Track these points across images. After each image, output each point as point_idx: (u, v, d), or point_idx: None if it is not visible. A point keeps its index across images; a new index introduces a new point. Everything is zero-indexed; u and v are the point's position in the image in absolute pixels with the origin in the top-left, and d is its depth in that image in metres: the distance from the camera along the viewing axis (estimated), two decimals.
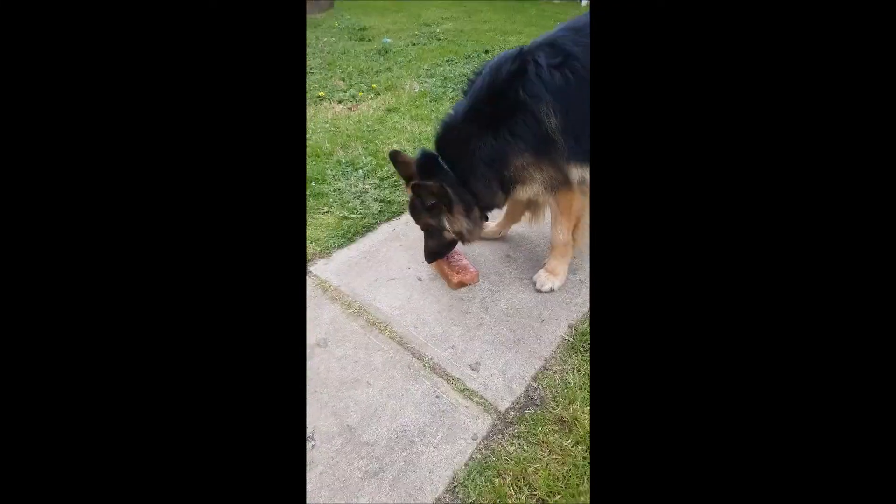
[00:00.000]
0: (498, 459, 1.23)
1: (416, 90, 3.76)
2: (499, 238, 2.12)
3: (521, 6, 7.16)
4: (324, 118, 3.27)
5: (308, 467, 1.22)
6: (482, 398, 1.40)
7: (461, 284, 1.82)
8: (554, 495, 1.14)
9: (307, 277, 1.88)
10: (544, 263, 1.87)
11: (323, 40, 5.16)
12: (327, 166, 2.62)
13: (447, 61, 4.46)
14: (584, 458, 1.21)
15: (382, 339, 1.62)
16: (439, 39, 5.29)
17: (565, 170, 1.56)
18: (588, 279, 1.84)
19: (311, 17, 6.22)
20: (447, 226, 1.67)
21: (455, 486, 1.18)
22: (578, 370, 1.47)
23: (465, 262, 1.88)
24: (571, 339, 1.59)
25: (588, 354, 1.52)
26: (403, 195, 2.29)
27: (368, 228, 2.18)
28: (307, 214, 2.22)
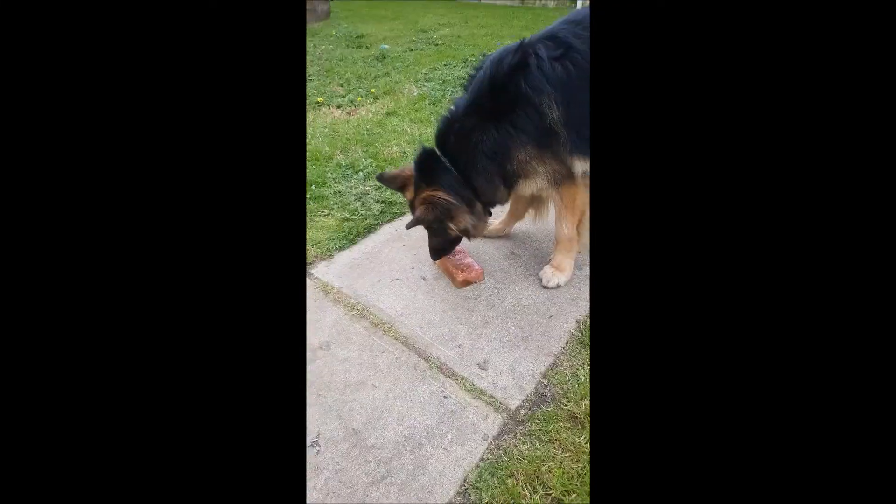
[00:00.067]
0: (510, 459, 1.19)
1: (415, 94, 3.76)
2: (503, 236, 2.09)
3: (517, 11, 7.20)
4: (322, 123, 3.26)
5: (313, 473, 1.18)
6: (491, 397, 1.37)
7: (466, 283, 1.79)
8: (569, 494, 1.09)
9: (308, 280, 1.85)
10: (549, 259, 1.84)
11: (321, 48, 5.18)
12: (327, 169, 2.60)
13: (445, 65, 4.46)
14: None
15: (387, 340, 1.58)
16: (437, 45, 5.31)
17: (568, 163, 1.54)
18: None
19: (309, 26, 6.26)
20: (451, 226, 1.64)
21: (466, 489, 1.14)
22: (589, 366, 1.43)
23: (469, 260, 1.85)
24: (580, 335, 1.55)
25: None
26: (405, 197, 2.26)
27: (370, 230, 2.15)
28: (307, 217, 2.20)
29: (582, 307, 1.68)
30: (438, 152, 1.60)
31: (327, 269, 1.92)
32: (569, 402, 1.32)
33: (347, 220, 2.19)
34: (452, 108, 1.58)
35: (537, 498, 1.09)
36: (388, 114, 3.39)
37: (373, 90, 3.85)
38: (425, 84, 3.97)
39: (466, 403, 1.35)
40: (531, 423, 1.27)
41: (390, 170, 1.77)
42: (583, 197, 1.66)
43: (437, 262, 1.85)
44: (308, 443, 1.25)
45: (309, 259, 1.95)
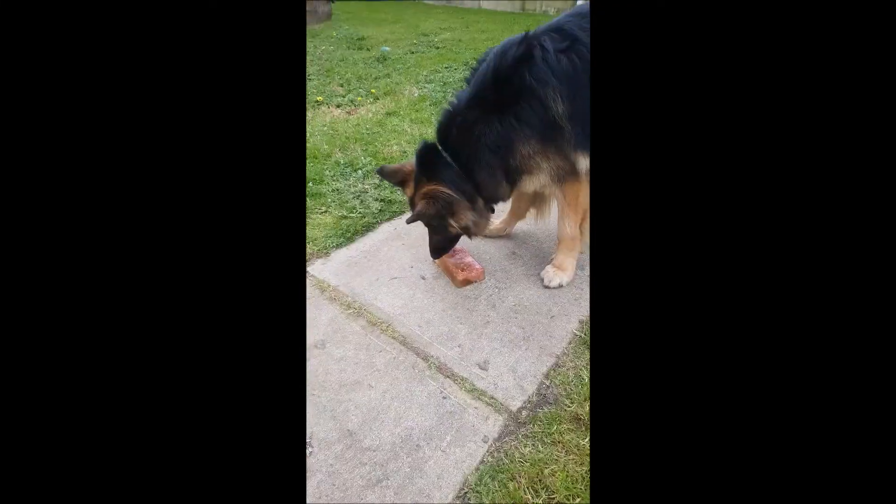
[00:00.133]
0: (511, 462, 1.14)
1: (416, 95, 3.74)
2: (504, 236, 2.05)
3: (517, 17, 7.22)
4: (321, 122, 3.23)
5: (306, 476, 1.13)
6: (492, 398, 1.32)
7: (467, 282, 1.75)
8: (574, 498, 1.04)
9: None
10: (551, 259, 1.80)
11: (321, 49, 5.16)
12: (325, 167, 2.56)
13: (446, 68, 4.45)
14: None
15: (384, 339, 1.53)
16: (437, 48, 5.31)
17: (572, 158, 1.50)
18: None
19: (309, 27, 6.26)
20: (452, 223, 1.60)
21: (466, 492, 1.09)
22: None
23: (469, 259, 1.81)
24: (583, 335, 1.51)
25: None
26: (404, 195, 2.23)
27: (369, 228, 2.11)
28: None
29: (584, 307, 1.64)
30: (440, 147, 1.56)
31: (324, 266, 1.87)
32: (572, 403, 1.28)
33: (345, 217, 2.15)
34: (454, 101, 1.55)
35: (540, 502, 1.05)
36: (388, 114, 3.36)
37: (373, 91, 3.82)
38: (426, 86, 3.95)
39: (466, 404, 1.30)
40: (533, 425, 1.23)
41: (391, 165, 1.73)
42: (586, 194, 1.62)
43: (437, 261, 1.81)
44: None
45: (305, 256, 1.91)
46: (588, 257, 1.84)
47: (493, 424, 1.24)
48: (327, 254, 1.94)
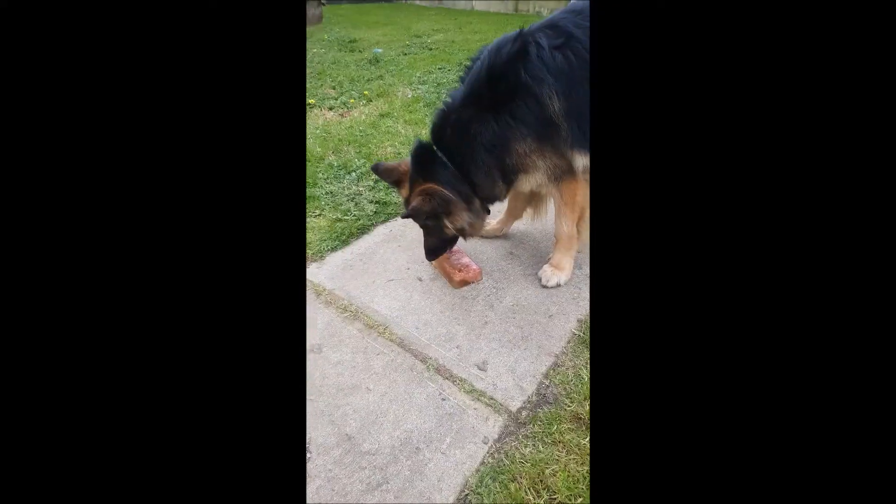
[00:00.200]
0: (512, 463, 1.13)
1: (409, 96, 3.72)
2: (500, 236, 2.04)
3: (510, 18, 7.24)
4: (314, 124, 3.21)
5: (306, 481, 1.11)
6: (491, 398, 1.31)
7: (464, 283, 1.73)
8: (575, 497, 1.03)
9: None
10: (549, 258, 1.79)
11: (312, 51, 5.14)
12: (318, 170, 2.54)
13: (439, 69, 4.44)
14: None
15: (382, 342, 1.52)
16: (430, 49, 5.30)
17: (569, 157, 1.49)
18: None
19: None
20: (448, 224, 1.58)
21: (467, 494, 1.07)
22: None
23: (466, 260, 1.79)
24: (582, 334, 1.50)
25: None
26: (399, 196, 2.22)
27: (363, 230, 2.09)
28: None
29: (583, 306, 1.63)
30: (435, 146, 1.54)
31: (318, 270, 1.85)
32: (572, 402, 1.27)
33: (340, 220, 2.13)
34: (448, 99, 1.53)
35: (542, 502, 1.03)
36: (381, 115, 3.34)
37: (366, 92, 3.81)
38: (420, 87, 3.94)
39: (465, 405, 1.29)
40: (533, 425, 1.21)
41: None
42: (583, 193, 1.61)
43: (434, 262, 1.79)
44: None
45: None
46: (585, 256, 1.83)
47: (493, 425, 1.23)
48: (322, 257, 1.92)
